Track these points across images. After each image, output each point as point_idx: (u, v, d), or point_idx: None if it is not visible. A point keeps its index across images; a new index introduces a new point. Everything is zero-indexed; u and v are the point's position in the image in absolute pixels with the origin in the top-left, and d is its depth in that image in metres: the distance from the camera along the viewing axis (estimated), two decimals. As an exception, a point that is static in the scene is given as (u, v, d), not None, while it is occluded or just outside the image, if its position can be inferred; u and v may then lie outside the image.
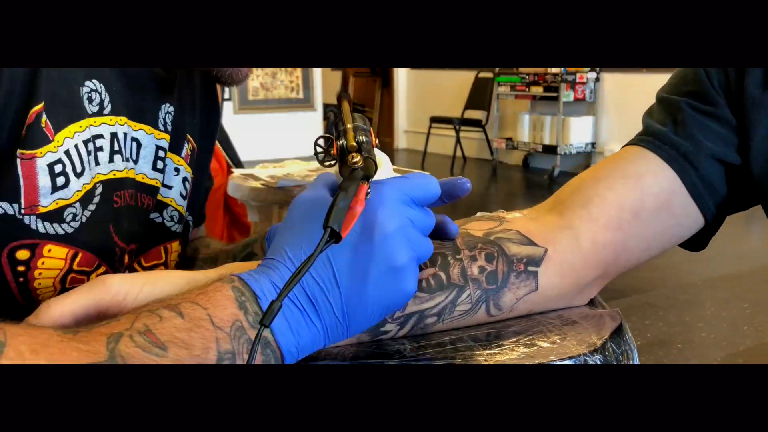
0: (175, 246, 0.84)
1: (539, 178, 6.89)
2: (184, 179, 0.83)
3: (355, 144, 0.52)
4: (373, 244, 0.51)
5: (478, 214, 0.69)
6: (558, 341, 0.57)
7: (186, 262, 0.90)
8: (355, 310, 0.51)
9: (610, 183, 0.67)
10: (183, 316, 0.47)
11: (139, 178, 0.74)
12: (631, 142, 0.70)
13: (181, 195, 0.82)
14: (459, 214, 0.71)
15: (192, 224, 0.89)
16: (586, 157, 6.95)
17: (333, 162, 0.57)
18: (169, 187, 0.81)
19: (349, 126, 0.54)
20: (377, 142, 0.57)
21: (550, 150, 6.88)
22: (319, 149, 0.57)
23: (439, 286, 0.60)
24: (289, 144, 7.32)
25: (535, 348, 0.56)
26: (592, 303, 0.68)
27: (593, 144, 6.88)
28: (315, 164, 2.52)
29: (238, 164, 2.88)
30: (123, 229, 0.72)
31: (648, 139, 0.69)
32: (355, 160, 0.51)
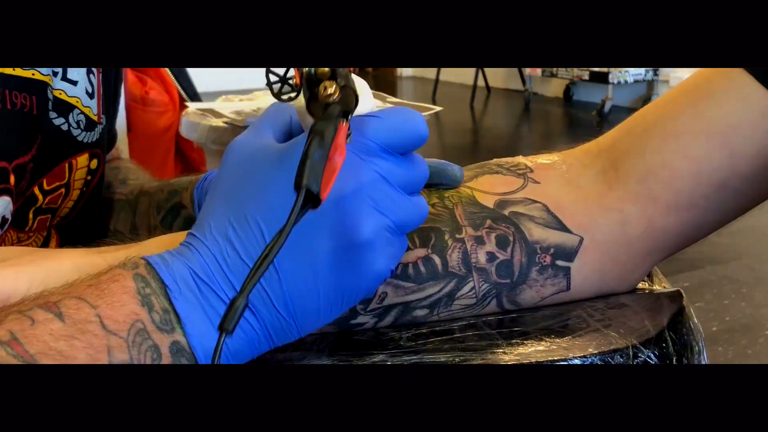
0: (82, 160, 0.81)
1: (585, 114, 6.87)
2: (89, 71, 0.80)
3: (326, 69, 0.50)
4: (325, 212, 0.48)
5: (494, 161, 0.66)
6: (601, 328, 0.57)
7: (94, 203, 0.87)
8: (304, 301, 0.49)
9: (684, 143, 0.60)
10: (63, 317, 0.44)
11: (8, 70, 0.71)
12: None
13: (87, 93, 0.80)
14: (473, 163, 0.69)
15: (107, 132, 0.87)
16: (646, 88, 6.93)
17: (294, 94, 0.54)
18: (73, 83, 0.78)
19: None
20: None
21: (600, 78, 6.84)
22: (273, 78, 0.54)
23: (431, 275, 0.58)
24: (260, 71, 7.29)
25: (569, 338, 0.55)
26: (647, 277, 0.67)
27: (655, 70, 6.84)
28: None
29: (194, 97, 2.86)
30: None
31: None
32: (329, 91, 0.49)
